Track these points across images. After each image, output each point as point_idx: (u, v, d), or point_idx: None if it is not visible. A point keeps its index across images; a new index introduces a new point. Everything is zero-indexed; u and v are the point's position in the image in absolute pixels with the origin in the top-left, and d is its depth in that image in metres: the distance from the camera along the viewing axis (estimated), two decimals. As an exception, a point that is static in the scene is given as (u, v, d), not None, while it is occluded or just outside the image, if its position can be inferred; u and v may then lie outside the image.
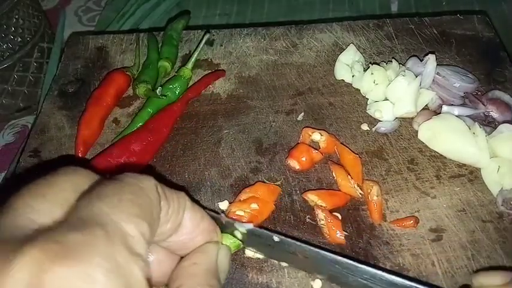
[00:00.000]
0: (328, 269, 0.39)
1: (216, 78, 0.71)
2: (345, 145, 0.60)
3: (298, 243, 0.38)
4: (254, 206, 0.53)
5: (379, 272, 0.36)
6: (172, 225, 0.32)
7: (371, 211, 0.54)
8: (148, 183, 0.31)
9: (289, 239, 0.38)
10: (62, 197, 0.28)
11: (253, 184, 0.57)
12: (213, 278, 0.33)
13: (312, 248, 0.38)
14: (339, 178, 0.57)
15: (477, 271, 0.48)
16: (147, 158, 0.61)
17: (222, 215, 0.38)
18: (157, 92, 0.66)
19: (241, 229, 0.38)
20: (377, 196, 0.54)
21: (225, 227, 0.38)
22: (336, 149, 0.61)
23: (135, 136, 0.61)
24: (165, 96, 0.67)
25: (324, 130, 0.62)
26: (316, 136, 0.61)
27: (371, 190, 0.55)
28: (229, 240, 0.39)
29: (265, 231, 0.38)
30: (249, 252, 0.51)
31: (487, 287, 0.41)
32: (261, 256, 0.51)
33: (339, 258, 0.37)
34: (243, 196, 0.55)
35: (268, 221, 0.54)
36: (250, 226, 0.38)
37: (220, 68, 0.73)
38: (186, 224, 0.33)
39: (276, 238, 0.38)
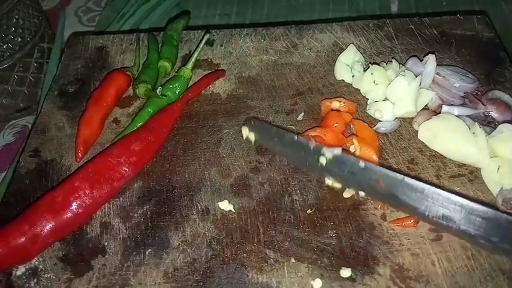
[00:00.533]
0: (410, 197, 0.39)
1: (216, 78, 0.71)
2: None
3: (384, 170, 0.39)
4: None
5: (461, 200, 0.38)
6: None
7: None
8: None
9: (373, 165, 0.39)
10: None
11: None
12: None
13: (396, 175, 0.39)
14: (360, 143, 0.58)
15: None
16: (147, 158, 0.61)
17: (312, 140, 0.39)
18: (158, 92, 0.66)
19: (328, 154, 0.38)
20: None
21: (310, 153, 0.39)
22: (352, 124, 0.62)
23: (135, 136, 0.61)
24: (165, 96, 0.67)
25: (342, 97, 0.65)
26: (336, 104, 0.63)
27: None
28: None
29: (351, 156, 0.39)
30: (328, 181, 0.49)
31: None
32: (339, 185, 0.49)
33: (425, 185, 0.38)
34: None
35: (268, 220, 0.54)
36: (339, 151, 0.39)
37: (220, 68, 0.73)
38: None
39: (361, 164, 0.38)
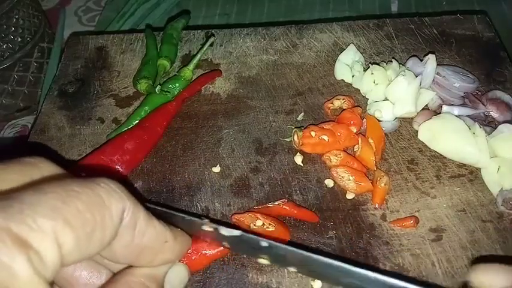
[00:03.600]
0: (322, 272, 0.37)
1: (212, 77, 0.70)
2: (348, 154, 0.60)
3: (289, 248, 0.35)
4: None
5: (372, 274, 0.35)
6: (129, 254, 0.30)
7: (374, 195, 0.55)
8: (116, 204, 0.28)
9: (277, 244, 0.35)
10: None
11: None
12: (152, 282, 0.32)
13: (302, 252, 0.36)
14: (363, 143, 0.58)
15: (474, 262, 0.48)
16: (140, 157, 0.61)
17: (206, 220, 0.36)
18: (157, 90, 0.66)
19: (226, 234, 0.36)
20: (385, 184, 0.55)
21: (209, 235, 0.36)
22: (364, 120, 0.62)
23: (129, 134, 0.61)
24: (168, 92, 0.67)
25: (340, 95, 0.66)
26: (337, 102, 0.64)
27: (381, 178, 0.56)
28: None
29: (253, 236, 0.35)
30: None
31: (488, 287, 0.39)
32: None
33: (331, 261, 0.35)
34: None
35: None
36: (237, 232, 0.35)
37: (220, 68, 0.73)
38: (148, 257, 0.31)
39: (263, 243, 0.36)
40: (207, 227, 0.36)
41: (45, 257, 0.23)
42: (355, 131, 0.60)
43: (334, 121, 0.62)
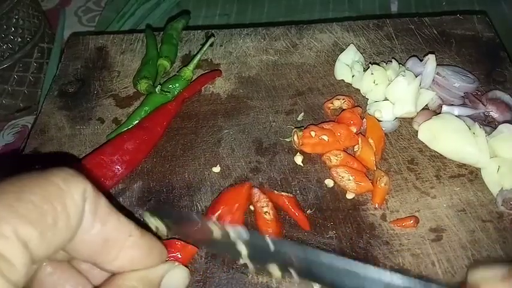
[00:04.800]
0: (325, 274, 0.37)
1: (212, 78, 0.71)
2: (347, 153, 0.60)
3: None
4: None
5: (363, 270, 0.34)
6: (95, 242, 0.29)
7: (374, 194, 0.55)
8: (75, 187, 0.27)
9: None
10: None
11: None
12: (145, 286, 0.31)
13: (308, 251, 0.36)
14: (363, 143, 0.58)
15: (472, 264, 0.48)
16: (140, 157, 0.61)
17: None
18: (157, 90, 0.66)
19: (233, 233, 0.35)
20: (385, 184, 0.55)
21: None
22: (364, 120, 0.62)
23: (129, 134, 0.61)
24: (168, 92, 0.67)
25: (340, 95, 0.66)
26: (337, 102, 0.64)
27: (381, 178, 0.56)
28: None
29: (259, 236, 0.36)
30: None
31: (484, 282, 0.39)
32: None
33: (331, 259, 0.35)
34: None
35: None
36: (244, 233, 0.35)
37: (220, 68, 0.73)
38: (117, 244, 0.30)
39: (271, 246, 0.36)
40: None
41: (13, 260, 0.23)
42: (355, 131, 0.60)
43: (334, 121, 0.62)
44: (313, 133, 0.59)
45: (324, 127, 0.60)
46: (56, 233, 0.26)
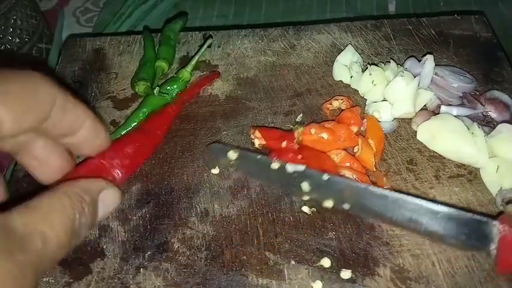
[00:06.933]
0: (375, 204, 0.47)
1: (211, 79, 0.70)
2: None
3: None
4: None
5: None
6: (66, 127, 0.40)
7: None
8: (45, 81, 0.37)
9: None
10: None
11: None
12: (86, 195, 0.38)
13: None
14: (363, 144, 0.58)
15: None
16: (140, 161, 0.60)
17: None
18: (155, 92, 0.66)
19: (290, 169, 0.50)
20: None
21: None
22: (364, 120, 0.62)
23: (129, 138, 0.60)
24: (167, 94, 0.66)
25: (339, 95, 0.66)
26: (335, 103, 0.64)
27: (379, 178, 0.57)
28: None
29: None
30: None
31: None
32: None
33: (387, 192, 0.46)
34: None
35: (268, 222, 0.54)
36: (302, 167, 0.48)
37: (218, 70, 0.72)
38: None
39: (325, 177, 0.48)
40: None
41: None
42: (355, 131, 0.60)
43: (334, 121, 0.62)
44: (313, 130, 0.59)
45: (325, 126, 0.60)
46: (27, 119, 0.35)
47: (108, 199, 0.41)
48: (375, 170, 0.57)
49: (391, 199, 0.43)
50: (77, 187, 0.37)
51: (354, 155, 0.59)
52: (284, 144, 0.59)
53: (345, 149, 0.59)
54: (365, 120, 0.62)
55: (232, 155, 0.55)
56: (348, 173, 0.56)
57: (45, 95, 0.37)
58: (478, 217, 0.42)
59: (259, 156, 0.54)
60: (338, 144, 0.59)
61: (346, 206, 0.50)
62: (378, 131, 0.60)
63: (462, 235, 0.45)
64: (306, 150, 0.58)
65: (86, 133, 0.43)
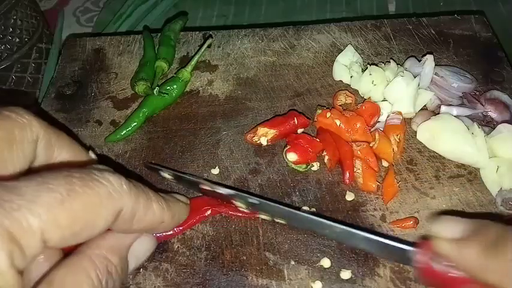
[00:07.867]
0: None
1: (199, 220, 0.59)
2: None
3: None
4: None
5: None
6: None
7: (385, 192, 0.56)
8: (113, 202, 0.30)
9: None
10: None
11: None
12: (114, 255, 0.33)
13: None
14: (380, 137, 0.59)
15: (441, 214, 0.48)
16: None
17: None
18: (155, 92, 0.66)
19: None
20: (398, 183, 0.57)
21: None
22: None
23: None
24: (166, 94, 0.66)
25: (340, 90, 0.67)
26: (342, 97, 0.65)
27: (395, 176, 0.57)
28: None
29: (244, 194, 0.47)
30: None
31: (442, 238, 0.37)
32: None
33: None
34: None
35: (267, 221, 0.54)
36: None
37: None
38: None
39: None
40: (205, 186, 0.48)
41: (27, 251, 0.25)
42: (372, 122, 0.61)
43: (354, 111, 0.62)
44: (328, 114, 0.60)
45: (344, 114, 0.60)
46: (75, 239, 0.29)
47: (140, 251, 0.36)
48: (393, 164, 0.58)
49: (315, 223, 0.44)
50: (103, 247, 0.32)
51: (372, 149, 0.59)
52: (300, 131, 0.61)
53: (368, 142, 0.59)
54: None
55: (167, 176, 0.55)
56: (359, 164, 0.57)
57: (109, 210, 0.30)
58: (398, 245, 0.40)
59: (190, 177, 0.53)
60: (349, 133, 0.59)
61: (282, 221, 0.52)
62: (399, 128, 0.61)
63: (389, 257, 0.47)
64: (324, 133, 0.59)
65: (160, 231, 0.39)
